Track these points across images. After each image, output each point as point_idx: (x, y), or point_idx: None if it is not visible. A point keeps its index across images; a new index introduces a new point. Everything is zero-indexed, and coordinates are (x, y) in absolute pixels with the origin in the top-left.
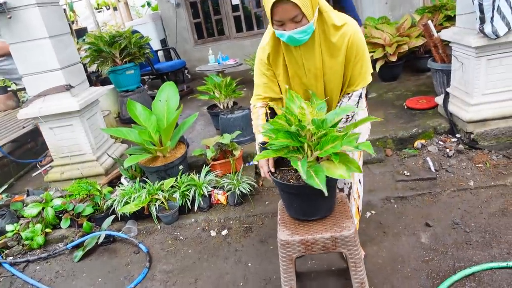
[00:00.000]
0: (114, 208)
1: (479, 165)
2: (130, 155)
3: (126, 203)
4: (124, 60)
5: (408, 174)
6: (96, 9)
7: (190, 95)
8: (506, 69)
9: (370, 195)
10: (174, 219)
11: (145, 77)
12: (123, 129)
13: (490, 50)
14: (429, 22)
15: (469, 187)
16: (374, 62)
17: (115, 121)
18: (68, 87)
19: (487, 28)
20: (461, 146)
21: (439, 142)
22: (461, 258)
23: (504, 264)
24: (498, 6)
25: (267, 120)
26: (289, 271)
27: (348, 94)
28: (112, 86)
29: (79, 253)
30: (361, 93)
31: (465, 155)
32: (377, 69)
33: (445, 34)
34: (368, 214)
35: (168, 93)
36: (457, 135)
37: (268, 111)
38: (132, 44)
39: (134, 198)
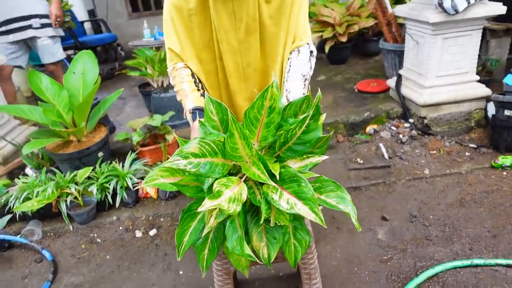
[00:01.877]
0: (11, 206)
1: (433, 152)
2: (34, 139)
3: (28, 198)
4: None
5: (361, 162)
6: None
7: (120, 76)
8: (460, 50)
9: None
10: (90, 218)
11: (69, 52)
12: (23, 107)
13: (447, 27)
14: None
15: (425, 176)
16: (323, 43)
17: (27, 100)
18: None
19: (446, 3)
20: (414, 132)
21: (392, 127)
22: (422, 256)
23: (468, 262)
24: None
25: (195, 83)
26: None
27: (294, 50)
28: None
29: None
30: (311, 50)
31: (419, 141)
32: (326, 51)
33: (400, 10)
34: (320, 207)
35: (85, 64)
36: (410, 120)
37: (195, 73)
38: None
39: (38, 192)
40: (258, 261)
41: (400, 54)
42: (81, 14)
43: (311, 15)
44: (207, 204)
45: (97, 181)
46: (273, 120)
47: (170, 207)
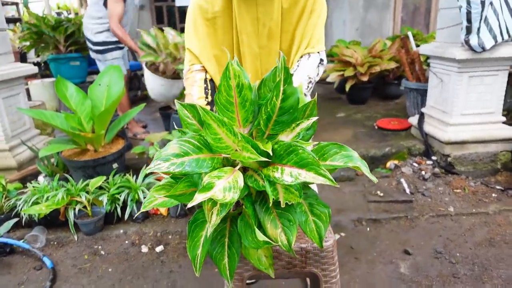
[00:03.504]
0: (18, 209)
1: (458, 190)
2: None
3: (37, 203)
4: (69, 48)
5: (382, 195)
6: (57, 13)
7: (143, 102)
8: (486, 89)
9: (340, 216)
10: (97, 229)
11: (94, 77)
12: (46, 112)
13: (473, 66)
14: (409, 33)
15: (449, 213)
16: (344, 81)
17: None
18: None
19: (473, 40)
20: (437, 170)
21: (414, 163)
22: None
23: None
24: (486, 17)
25: (205, 90)
26: None
27: (305, 55)
28: (53, 79)
29: None
30: (322, 58)
31: (442, 179)
32: (347, 89)
33: (425, 49)
34: (337, 236)
35: (111, 77)
36: (433, 158)
37: (208, 79)
38: (81, 33)
39: (48, 198)
40: (274, 243)
41: (422, 93)
42: None
43: (333, 55)
44: (198, 197)
45: (109, 192)
46: (246, 98)
47: (179, 225)
